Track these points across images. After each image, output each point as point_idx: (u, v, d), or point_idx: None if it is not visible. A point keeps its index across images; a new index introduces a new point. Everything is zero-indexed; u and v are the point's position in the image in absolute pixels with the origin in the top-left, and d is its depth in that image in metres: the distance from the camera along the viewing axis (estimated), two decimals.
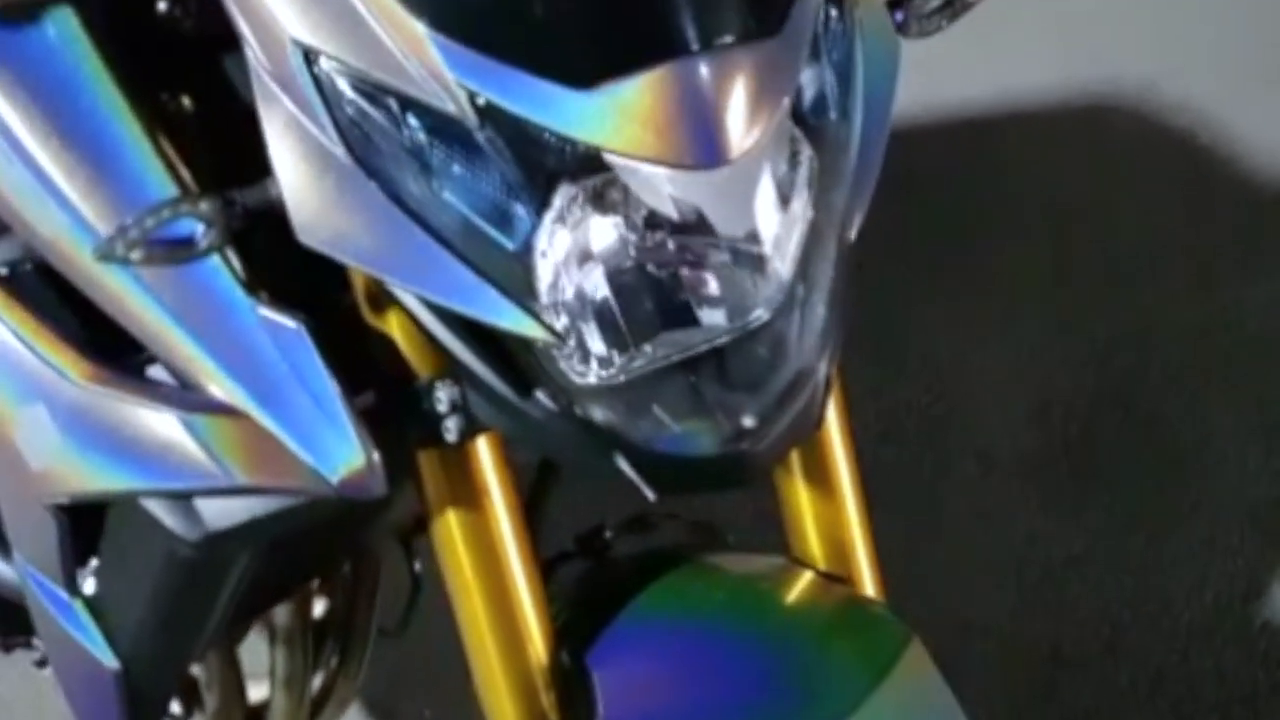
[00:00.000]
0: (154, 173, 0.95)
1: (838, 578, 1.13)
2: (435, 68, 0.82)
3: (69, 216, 0.96)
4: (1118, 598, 2.05)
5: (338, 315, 0.98)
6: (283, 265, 0.94)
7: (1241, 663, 1.97)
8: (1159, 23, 3.08)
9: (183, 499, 0.99)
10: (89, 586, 1.12)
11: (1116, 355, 2.41)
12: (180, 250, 0.87)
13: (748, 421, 0.91)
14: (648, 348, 0.87)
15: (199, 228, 0.86)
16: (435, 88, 0.82)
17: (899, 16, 0.99)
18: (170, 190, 0.94)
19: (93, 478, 0.99)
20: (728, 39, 0.81)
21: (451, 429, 0.97)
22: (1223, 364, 2.38)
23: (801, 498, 1.13)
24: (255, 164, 0.91)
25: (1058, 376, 2.38)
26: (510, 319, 0.86)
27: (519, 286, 0.85)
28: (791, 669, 1.02)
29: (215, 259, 0.93)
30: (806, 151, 0.88)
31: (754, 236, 0.84)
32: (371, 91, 0.84)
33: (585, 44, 0.82)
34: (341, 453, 0.93)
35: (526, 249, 0.84)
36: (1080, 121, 2.86)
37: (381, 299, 0.97)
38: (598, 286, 0.85)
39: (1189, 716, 1.91)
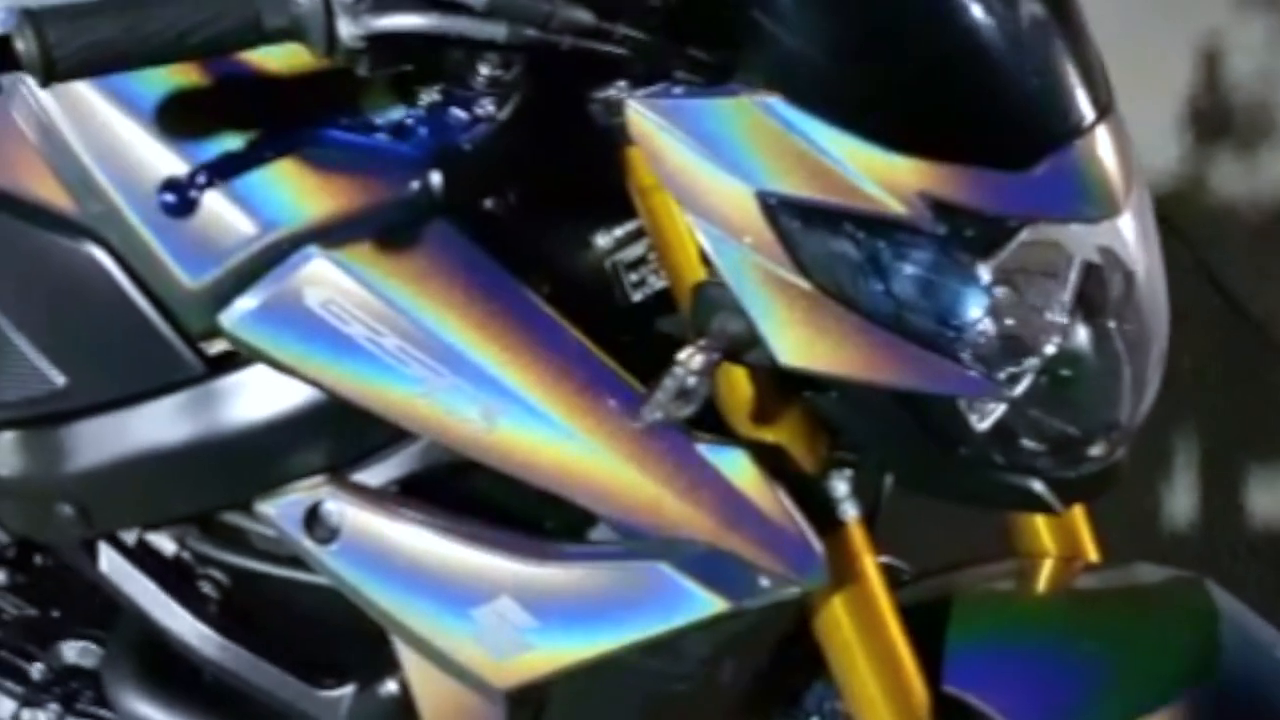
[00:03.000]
0: (576, 342, 1.06)
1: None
2: (903, 188, 0.97)
3: (515, 404, 1.04)
4: None
5: None
6: None
7: None
8: None
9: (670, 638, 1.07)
10: None
11: None
12: (685, 401, 0.99)
13: (1116, 439, 1.08)
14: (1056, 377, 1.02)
15: (690, 380, 1.00)
16: (892, 202, 0.97)
17: None
18: (594, 355, 1.06)
19: (579, 648, 1.06)
20: (1091, 119, 1.02)
21: (850, 510, 1.12)
22: None
23: None
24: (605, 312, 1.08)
25: None
26: (971, 388, 1.01)
27: (967, 356, 1.00)
28: (1139, 642, 1.19)
29: None
30: None
31: (1133, 273, 1.04)
32: (827, 220, 0.98)
33: (1005, 136, 0.99)
34: (798, 552, 1.06)
35: (974, 320, 1.00)
36: None
37: (766, 410, 1.10)
38: (1034, 338, 1.01)
39: None
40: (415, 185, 1.04)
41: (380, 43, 0.92)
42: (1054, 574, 1.31)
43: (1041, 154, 0.99)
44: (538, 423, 1.04)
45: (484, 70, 0.95)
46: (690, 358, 1.00)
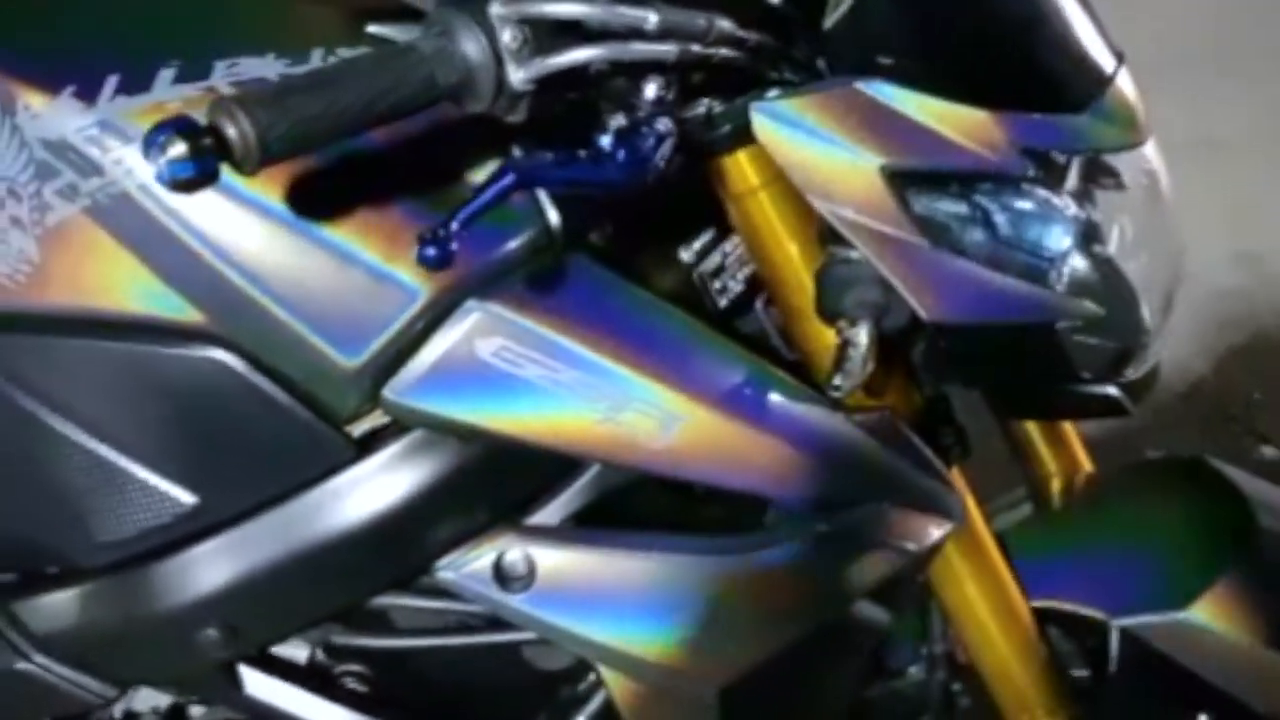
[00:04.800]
0: (723, 344, 1.12)
1: None
2: (995, 140, 1.06)
3: (688, 412, 1.07)
4: None
5: None
6: None
7: None
8: None
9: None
10: None
11: None
12: (865, 371, 1.07)
13: (1153, 352, 1.20)
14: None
15: (857, 355, 1.07)
16: (989, 153, 1.06)
17: None
18: (742, 353, 1.12)
19: (785, 628, 1.12)
20: (1115, 64, 1.14)
21: (957, 454, 1.23)
22: None
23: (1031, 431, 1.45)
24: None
25: None
26: (1073, 310, 1.10)
27: (1061, 282, 1.10)
28: (1182, 521, 1.34)
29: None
30: None
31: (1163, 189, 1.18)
32: (936, 182, 1.07)
33: (1065, 85, 1.11)
34: (947, 497, 1.17)
35: (1066, 248, 1.10)
36: None
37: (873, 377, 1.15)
38: (1100, 254, 1.12)
39: None
40: (540, 226, 1.07)
41: (546, 84, 0.95)
42: (1071, 488, 1.45)
43: (1091, 97, 1.12)
44: (711, 424, 1.09)
45: (650, 91, 0.99)
46: (853, 333, 1.07)
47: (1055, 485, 1.46)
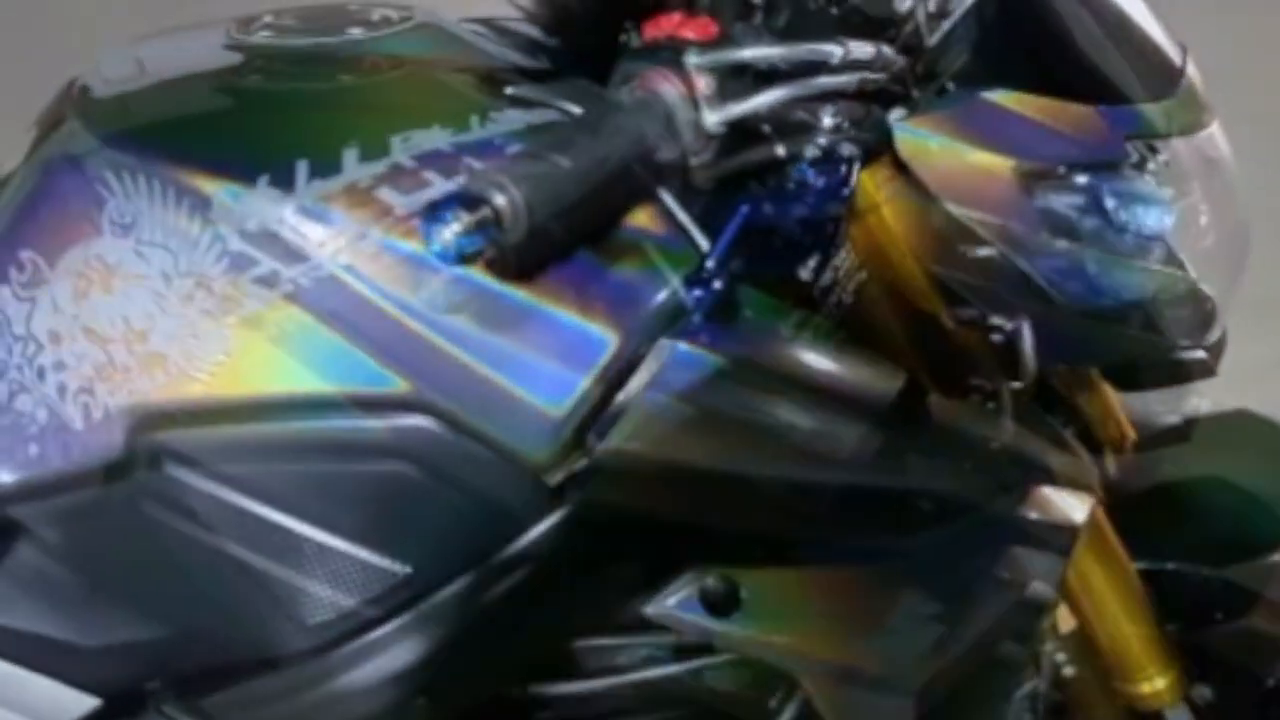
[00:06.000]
0: (863, 351, 1.17)
1: None
2: (1102, 130, 1.15)
3: (858, 423, 1.12)
4: None
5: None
6: None
7: None
8: None
9: None
10: None
11: None
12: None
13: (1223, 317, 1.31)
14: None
15: (1028, 349, 1.15)
16: (1101, 145, 1.15)
17: None
18: (878, 357, 1.17)
19: (969, 626, 1.17)
20: (1184, 53, 1.25)
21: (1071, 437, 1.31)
22: None
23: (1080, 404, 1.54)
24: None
25: None
26: (1174, 283, 1.20)
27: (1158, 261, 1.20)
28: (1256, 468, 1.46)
29: None
30: None
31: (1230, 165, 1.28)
32: (1055, 175, 1.14)
33: (1156, 76, 1.20)
34: (1087, 474, 1.26)
35: (1166, 230, 1.19)
36: None
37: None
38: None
39: None
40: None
41: (737, 126, 1.00)
42: (1122, 455, 1.54)
43: (1171, 85, 1.22)
44: (881, 433, 1.14)
45: (828, 120, 1.04)
46: (1014, 330, 1.14)
47: (1107, 454, 1.56)
